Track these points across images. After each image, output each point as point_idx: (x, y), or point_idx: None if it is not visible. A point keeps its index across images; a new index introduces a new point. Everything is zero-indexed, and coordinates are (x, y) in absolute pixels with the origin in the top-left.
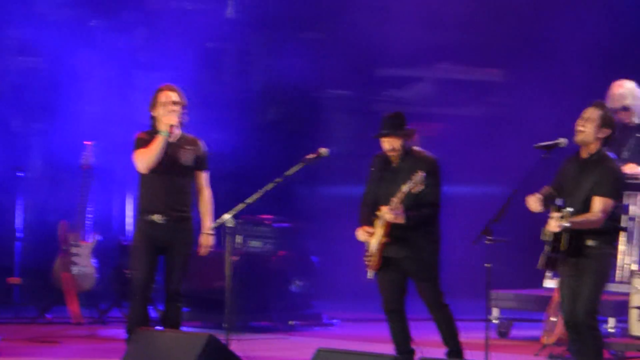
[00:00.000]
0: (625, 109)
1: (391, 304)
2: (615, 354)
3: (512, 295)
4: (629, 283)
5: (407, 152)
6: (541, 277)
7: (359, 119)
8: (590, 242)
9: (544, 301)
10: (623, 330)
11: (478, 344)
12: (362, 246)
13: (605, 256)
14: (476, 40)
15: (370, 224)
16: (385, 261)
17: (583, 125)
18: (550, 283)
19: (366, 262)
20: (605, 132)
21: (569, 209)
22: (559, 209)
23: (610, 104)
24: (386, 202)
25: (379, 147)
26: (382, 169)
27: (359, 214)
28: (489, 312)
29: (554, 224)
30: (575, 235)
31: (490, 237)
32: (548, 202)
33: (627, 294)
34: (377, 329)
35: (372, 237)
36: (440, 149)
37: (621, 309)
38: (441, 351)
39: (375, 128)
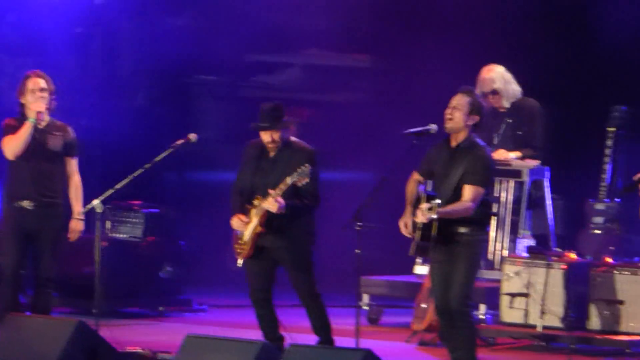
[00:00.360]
0: (495, 92)
1: (259, 293)
2: (486, 340)
3: (382, 282)
4: (499, 269)
5: (285, 143)
6: (412, 264)
7: (228, 105)
8: (462, 229)
9: (414, 287)
10: (494, 316)
11: (348, 330)
12: (231, 232)
13: (477, 242)
14: (344, 26)
15: (244, 212)
16: (257, 250)
17: (451, 114)
18: (420, 269)
19: (237, 250)
20: (474, 119)
21: (437, 201)
22: (427, 198)
23: (480, 88)
24: (263, 193)
25: (249, 134)
26: (258, 158)
27: (232, 202)
28: (359, 299)
29: (421, 216)
30: (447, 222)
31: (360, 223)
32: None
33: (498, 281)
34: (247, 316)
35: (246, 226)
36: (309, 136)
37: (492, 295)
38: (311, 338)
39: (244, 114)
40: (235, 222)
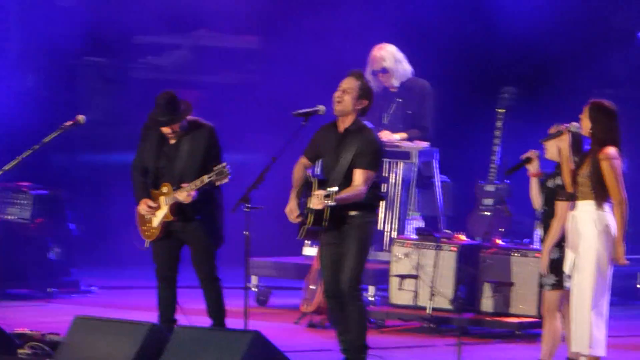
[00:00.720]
0: (385, 71)
1: (165, 271)
2: (376, 322)
3: (270, 263)
4: (389, 251)
5: (183, 127)
6: (300, 245)
7: (117, 87)
8: (352, 212)
9: (303, 269)
10: (383, 298)
11: (237, 311)
12: (121, 214)
13: (368, 225)
14: (234, 8)
15: (149, 196)
16: (166, 232)
17: (340, 97)
18: (309, 251)
19: (145, 233)
20: (363, 103)
21: (335, 188)
22: (318, 182)
23: (370, 66)
24: (169, 178)
25: (137, 115)
26: (159, 143)
27: (134, 183)
28: (248, 280)
29: (318, 203)
30: (339, 208)
31: (248, 205)
32: (306, 177)
33: (387, 262)
34: (136, 298)
35: (155, 212)
36: (199, 117)
37: (381, 277)
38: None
39: (133, 96)
40: (143, 208)
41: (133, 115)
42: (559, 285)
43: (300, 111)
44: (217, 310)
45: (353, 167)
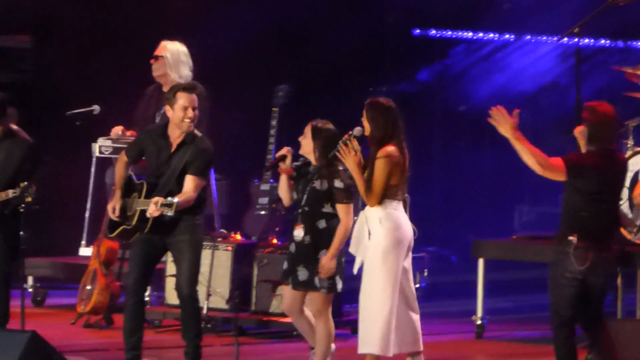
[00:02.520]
0: (158, 59)
1: None
2: (152, 322)
3: (47, 263)
4: None
5: (5, 133)
6: (76, 246)
7: None
8: (184, 217)
9: (79, 269)
10: (159, 298)
11: (13, 312)
12: None
13: (199, 227)
14: (4, 7)
15: None
16: None
17: (195, 116)
18: (85, 251)
19: None
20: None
21: (176, 199)
22: (147, 185)
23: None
24: None
25: None
26: None
27: None
28: (24, 281)
29: (155, 210)
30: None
31: (22, 205)
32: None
33: (164, 262)
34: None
35: None
36: None
37: (157, 277)
38: None
39: None
40: None
41: None
42: (333, 287)
43: (75, 111)
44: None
45: (185, 174)
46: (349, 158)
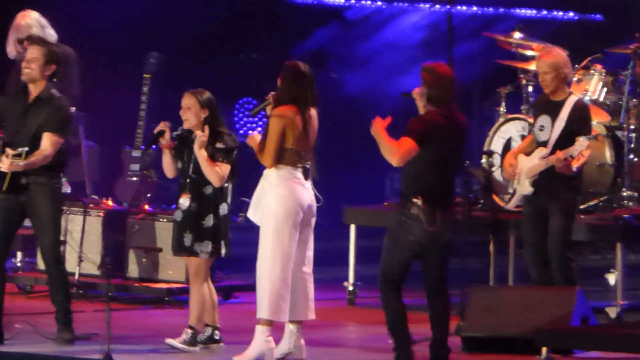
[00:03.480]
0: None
1: None
2: (23, 288)
3: None
4: None
5: None
6: None
7: None
8: (40, 179)
9: None
10: (31, 264)
11: None
12: None
13: (57, 190)
14: None
15: None
16: None
17: (27, 66)
18: None
19: None
20: (52, 67)
21: (25, 148)
22: (2, 146)
23: (15, 34)
24: None
25: None
26: None
27: None
28: None
29: (7, 164)
30: (23, 173)
31: None
32: None
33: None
34: None
35: None
36: None
37: (29, 243)
38: None
39: None
40: None
41: None
42: (215, 252)
43: None
44: None
45: (42, 132)
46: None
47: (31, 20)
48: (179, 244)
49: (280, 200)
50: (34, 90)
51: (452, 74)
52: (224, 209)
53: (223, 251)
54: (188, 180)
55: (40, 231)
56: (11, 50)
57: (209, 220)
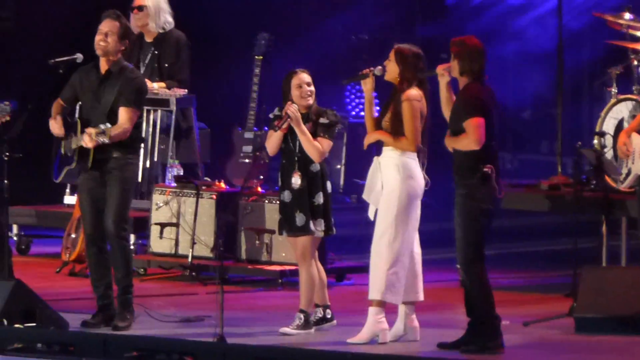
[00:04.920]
0: (141, 9)
1: None
2: (136, 270)
3: (31, 211)
4: (149, 199)
5: None
6: (61, 193)
7: None
8: (115, 154)
9: (64, 217)
10: (143, 247)
11: None
12: None
13: (130, 165)
14: None
15: None
16: None
17: (104, 39)
18: (69, 199)
19: None
20: (125, 43)
21: (108, 125)
22: (82, 123)
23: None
24: None
25: None
26: None
27: None
28: (9, 229)
29: (90, 140)
30: (100, 148)
31: (6, 153)
32: (66, 117)
33: (148, 211)
34: None
35: None
36: None
37: (141, 225)
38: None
39: None
40: None
41: None
42: (328, 230)
43: (59, 59)
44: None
45: (117, 106)
46: (369, 84)
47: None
48: (290, 224)
49: (403, 183)
50: (106, 64)
51: (481, 45)
52: (329, 186)
53: (335, 230)
54: (296, 159)
55: (107, 205)
56: (133, 25)
57: (319, 198)
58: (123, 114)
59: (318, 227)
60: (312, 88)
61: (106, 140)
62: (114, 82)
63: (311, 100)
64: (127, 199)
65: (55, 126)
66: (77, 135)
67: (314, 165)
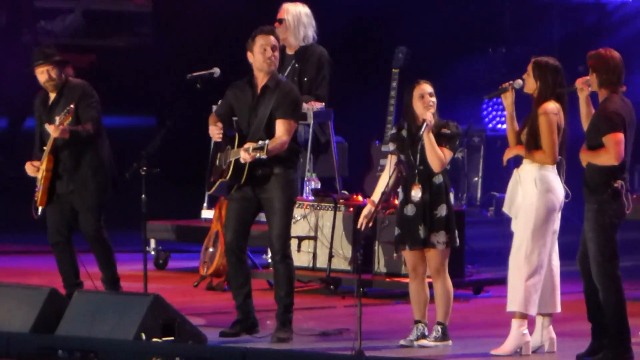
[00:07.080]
0: (281, 22)
1: (55, 236)
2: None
3: (169, 226)
4: None
5: (63, 84)
6: (199, 208)
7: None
8: (275, 170)
9: (201, 232)
10: None
11: (136, 275)
12: None
13: (292, 183)
14: None
15: (39, 158)
16: (54, 196)
17: (275, 55)
18: (207, 214)
19: (35, 198)
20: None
21: (266, 141)
22: (240, 138)
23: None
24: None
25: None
26: (42, 105)
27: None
28: (147, 244)
29: (247, 156)
30: (259, 164)
31: (144, 168)
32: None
33: None
34: (36, 262)
35: (38, 172)
36: (92, 81)
37: None
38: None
39: (25, 59)
40: (28, 167)
41: (29, 82)
42: (451, 242)
43: (196, 74)
44: (106, 266)
45: (275, 119)
46: (509, 97)
47: (294, 9)
48: (413, 237)
49: (541, 196)
50: (264, 79)
51: (619, 57)
52: (452, 197)
53: (457, 242)
54: (417, 172)
55: (270, 222)
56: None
57: (442, 210)
58: (280, 126)
59: (440, 240)
60: (434, 99)
61: (263, 156)
62: (271, 95)
63: (433, 110)
64: (290, 217)
65: (216, 131)
66: (233, 148)
67: (437, 177)
